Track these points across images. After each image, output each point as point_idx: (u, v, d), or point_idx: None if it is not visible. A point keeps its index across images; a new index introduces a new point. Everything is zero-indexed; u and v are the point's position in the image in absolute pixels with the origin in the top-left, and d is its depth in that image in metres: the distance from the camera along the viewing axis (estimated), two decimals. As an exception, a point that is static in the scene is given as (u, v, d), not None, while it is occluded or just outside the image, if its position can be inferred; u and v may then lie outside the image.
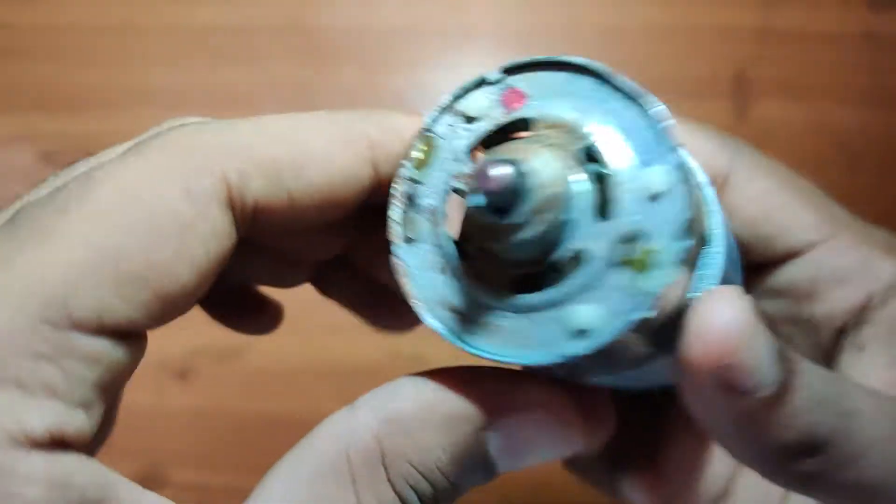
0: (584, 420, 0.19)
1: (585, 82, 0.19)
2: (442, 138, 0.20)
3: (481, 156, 0.19)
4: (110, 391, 0.19)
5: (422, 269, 0.19)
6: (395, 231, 0.19)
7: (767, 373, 0.18)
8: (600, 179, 0.18)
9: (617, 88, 0.19)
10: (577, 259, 0.18)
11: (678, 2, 0.58)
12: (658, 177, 0.18)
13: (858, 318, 0.26)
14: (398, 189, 0.20)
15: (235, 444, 0.50)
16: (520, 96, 0.20)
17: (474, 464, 0.19)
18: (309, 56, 0.58)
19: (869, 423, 0.19)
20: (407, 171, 0.20)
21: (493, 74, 0.20)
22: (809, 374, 0.19)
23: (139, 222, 0.18)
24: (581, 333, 0.17)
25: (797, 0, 0.58)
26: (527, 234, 0.17)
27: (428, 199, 0.19)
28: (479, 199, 0.16)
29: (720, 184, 0.27)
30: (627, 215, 0.17)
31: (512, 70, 0.20)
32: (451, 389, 0.19)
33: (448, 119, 0.20)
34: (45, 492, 0.16)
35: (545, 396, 0.19)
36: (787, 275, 0.27)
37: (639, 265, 0.17)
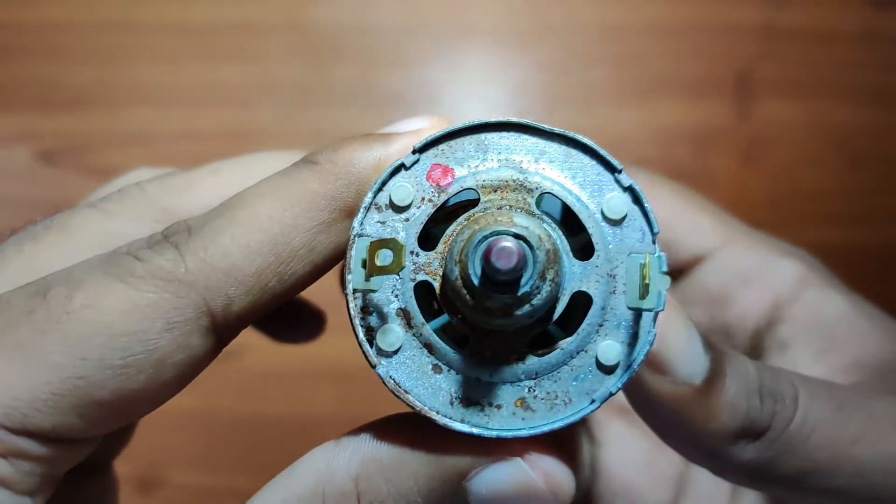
0: (557, 475, 0.19)
1: (508, 138, 0.19)
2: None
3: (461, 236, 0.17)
4: (57, 479, 0.20)
5: (416, 378, 0.18)
6: (370, 353, 0.18)
7: (695, 360, 0.19)
8: (564, 224, 0.19)
9: (542, 133, 0.19)
10: (586, 303, 0.18)
11: (680, 1, 0.58)
12: (616, 202, 0.18)
13: (772, 317, 0.27)
14: (353, 306, 0.18)
15: (234, 445, 0.50)
16: (445, 170, 0.19)
17: None
18: (309, 55, 0.58)
19: (809, 407, 0.20)
20: (354, 283, 0.18)
21: (408, 158, 0.19)
22: (740, 362, 0.20)
23: (115, 358, 0.18)
24: (611, 369, 0.18)
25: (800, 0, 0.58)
26: (541, 297, 0.17)
27: (392, 303, 0.18)
28: (488, 282, 0.16)
29: None
30: (605, 248, 0.18)
31: (425, 148, 0.19)
32: (434, 436, 0.19)
33: (376, 216, 0.19)
34: None
35: (523, 449, 0.19)
36: (697, 281, 0.28)
37: (637, 288, 0.17)
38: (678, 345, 0.19)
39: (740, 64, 0.57)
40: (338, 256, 0.20)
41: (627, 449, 0.30)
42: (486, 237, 0.16)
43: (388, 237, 0.18)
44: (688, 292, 0.28)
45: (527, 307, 0.17)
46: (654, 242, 0.18)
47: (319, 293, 0.30)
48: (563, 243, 0.18)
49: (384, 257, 0.18)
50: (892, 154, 0.57)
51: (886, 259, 0.56)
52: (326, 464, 0.19)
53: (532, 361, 0.18)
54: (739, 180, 0.56)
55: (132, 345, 0.18)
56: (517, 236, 0.16)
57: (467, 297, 0.17)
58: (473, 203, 0.18)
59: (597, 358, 0.18)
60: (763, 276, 0.27)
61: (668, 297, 0.18)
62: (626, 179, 0.18)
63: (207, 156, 0.61)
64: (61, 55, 0.58)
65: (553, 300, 0.17)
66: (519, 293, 0.16)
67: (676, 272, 0.28)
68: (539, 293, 0.17)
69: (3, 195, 0.56)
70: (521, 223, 0.16)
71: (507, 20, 0.59)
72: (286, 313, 0.30)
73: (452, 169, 0.19)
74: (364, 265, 0.18)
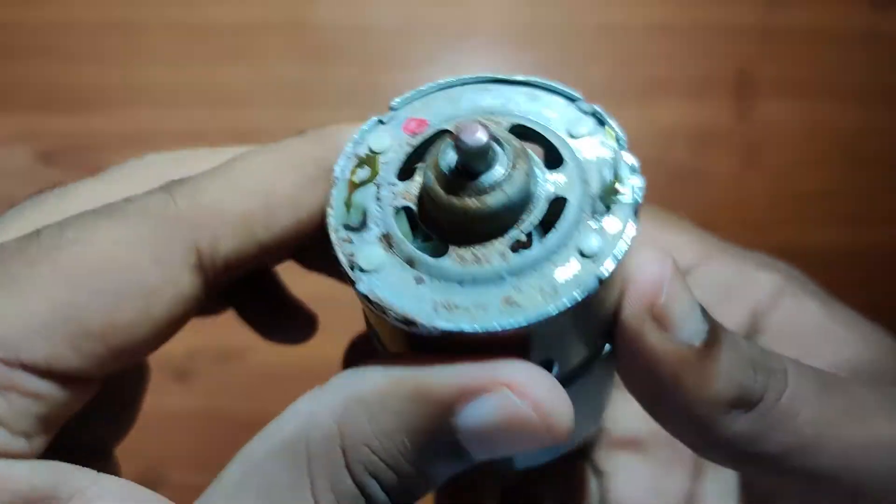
0: (549, 404, 0.18)
1: (478, 90, 0.21)
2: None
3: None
4: (54, 425, 0.20)
5: (399, 291, 0.18)
6: (352, 273, 0.18)
7: (696, 322, 0.19)
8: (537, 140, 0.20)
9: (509, 83, 0.21)
10: (561, 203, 0.18)
11: (680, 1, 0.58)
12: (580, 124, 0.20)
13: (751, 328, 0.27)
14: (336, 238, 0.19)
15: (235, 446, 0.50)
16: (420, 122, 0.20)
17: (443, 451, 0.18)
18: (309, 55, 0.58)
19: (797, 383, 0.20)
20: (336, 219, 0.19)
21: (385, 116, 0.21)
22: (734, 336, 0.20)
23: (105, 287, 0.19)
24: (592, 258, 0.18)
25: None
26: (513, 185, 0.17)
27: (373, 231, 0.19)
28: (461, 172, 0.17)
29: None
30: (575, 158, 0.19)
31: (400, 105, 0.21)
32: (418, 370, 0.18)
33: (353, 163, 0.20)
34: None
35: (512, 376, 0.18)
36: None
37: (611, 191, 0.18)
38: (682, 306, 0.19)
39: (740, 64, 0.57)
40: (321, 221, 0.21)
41: (634, 476, 0.29)
42: (462, 123, 0.17)
43: (364, 155, 0.20)
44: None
45: (500, 194, 0.17)
46: (622, 149, 0.19)
47: (316, 298, 0.31)
48: (533, 155, 0.19)
49: (362, 175, 0.19)
50: (894, 154, 0.57)
51: (887, 260, 0.56)
52: (310, 408, 0.19)
53: (514, 260, 0.18)
54: (739, 180, 0.56)
55: (121, 276, 0.19)
56: (484, 126, 0.17)
57: (442, 193, 0.18)
58: None
59: (579, 249, 0.18)
60: (741, 288, 0.27)
61: (672, 265, 0.19)
62: (587, 106, 0.20)
63: (208, 156, 0.60)
64: (62, 55, 0.58)
65: (526, 195, 0.18)
66: (490, 176, 0.17)
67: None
68: (510, 180, 0.17)
69: (3, 195, 0.56)
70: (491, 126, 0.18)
71: (507, 20, 0.59)
72: (280, 312, 0.30)
73: (427, 120, 0.20)
74: (346, 204, 0.19)
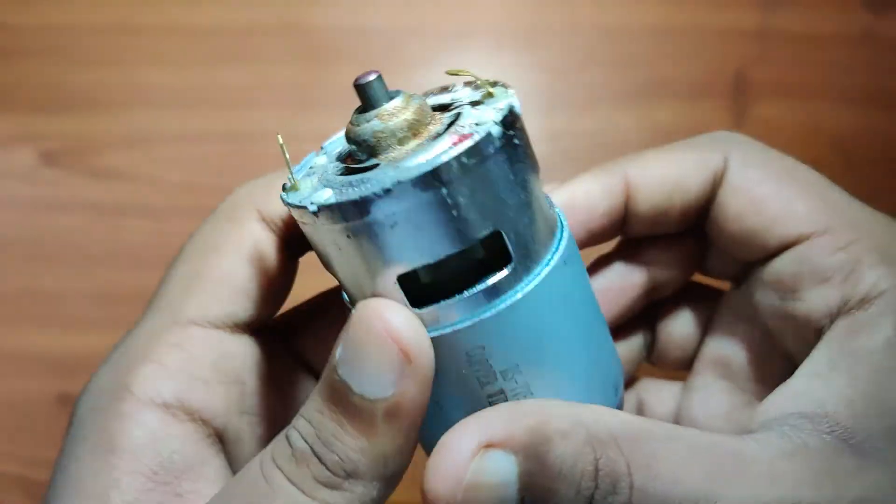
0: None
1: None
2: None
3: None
4: (231, 373, 0.24)
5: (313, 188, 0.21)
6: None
7: None
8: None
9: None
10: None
11: (678, 3, 0.59)
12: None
13: (828, 322, 0.24)
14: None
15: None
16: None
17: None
18: (309, 56, 0.58)
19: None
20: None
21: (322, 151, 0.25)
22: (572, 485, 0.19)
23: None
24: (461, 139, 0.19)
25: (796, 2, 0.58)
26: (409, 110, 0.21)
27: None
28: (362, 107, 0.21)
29: (718, 182, 0.27)
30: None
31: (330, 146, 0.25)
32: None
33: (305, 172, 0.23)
34: (145, 441, 0.21)
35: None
36: (776, 267, 0.26)
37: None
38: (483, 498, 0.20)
39: (737, 66, 0.57)
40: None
41: (713, 400, 0.30)
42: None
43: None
44: (764, 274, 0.27)
45: (399, 115, 0.21)
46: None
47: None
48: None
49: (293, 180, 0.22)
50: (890, 157, 0.57)
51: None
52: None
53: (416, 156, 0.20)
54: (737, 182, 0.57)
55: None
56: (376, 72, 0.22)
57: (353, 125, 0.21)
58: None
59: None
60: (841, 280, 0.24)
61: (471, 452, 0.20)
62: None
63: (209, 156, 0.61)
64: (64, 57, 0.58)
65: (412, 122, 0.21)
66: (388, 98, 0.21)
67: (764, 257, 0.27)
68: (407, 109, 0.21)
69: (5, 196, 0.56)
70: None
71: (507, 22, 0.59)
72: None
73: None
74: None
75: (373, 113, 0.21)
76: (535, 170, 0.22)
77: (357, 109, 0.22)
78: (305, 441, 0.20)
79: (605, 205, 0.28)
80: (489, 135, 0.19)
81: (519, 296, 0.20)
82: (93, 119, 0.57)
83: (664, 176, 0.28)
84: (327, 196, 0.19)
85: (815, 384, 0.22)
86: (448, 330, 0.20)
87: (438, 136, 0.21)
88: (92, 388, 0.23)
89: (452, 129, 0.20)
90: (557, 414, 0.21)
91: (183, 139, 0.56)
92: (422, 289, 0.20)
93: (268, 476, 0.20)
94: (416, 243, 0.19)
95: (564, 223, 0.23)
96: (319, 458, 0.20)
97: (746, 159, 0.27)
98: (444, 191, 0.19)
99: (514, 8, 0.60)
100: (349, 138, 0.21)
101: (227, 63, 0.58)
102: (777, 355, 0.28)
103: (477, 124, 0.20)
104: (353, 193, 0.19)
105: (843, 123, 0.57)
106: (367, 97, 0.21)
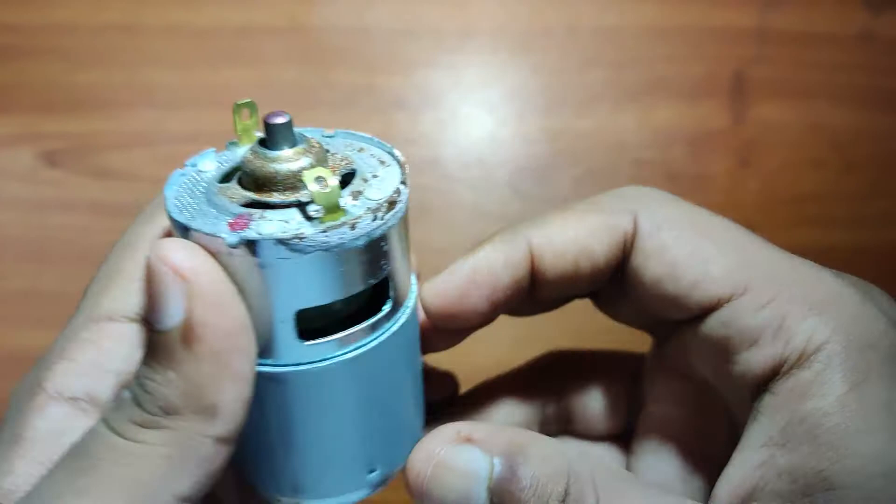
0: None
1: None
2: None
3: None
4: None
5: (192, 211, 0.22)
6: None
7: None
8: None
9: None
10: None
11: (677, 3, 0.59)
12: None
13: (766, 384, 0.23)
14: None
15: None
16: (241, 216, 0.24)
17: None
18: (309, 56, 0.58)
19: None
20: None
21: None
22: (540, 500, 0.21)
23: None
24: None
25: (795, 1, 0.58)
26: (301, 160, 0.22)
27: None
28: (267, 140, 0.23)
29: (628, 245, 0.26)
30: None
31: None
32: None
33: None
34: (47, 432, 0.22)
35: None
36: (701, 332, 0.25)
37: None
38: None
39: (736, 66, 0.58)
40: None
41: (663, 464, 0.29)
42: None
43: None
44: (694, 338, 0.26)
45: (291, 162, 0.22)
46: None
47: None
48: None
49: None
50: (889, 156, 0.57)
51: (883, 261, 0.56)
52: None
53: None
54: (735, 182, 0.57)
55: None
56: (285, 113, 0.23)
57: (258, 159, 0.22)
58: None
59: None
60: (772, 338, 0.23)
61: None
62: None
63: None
64: (65, 57, 0.59)
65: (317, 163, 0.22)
66: (285, 146, 0.22)
67: (690, 319, 0.26)
68: (301, 158, 0.22)
69: (6, 196, 0.57)
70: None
71: (506, 23, 0.59)
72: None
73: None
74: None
75: (276, 153, 0.22)
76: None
77: (260, 142, 0.23)
78: (128, 391, 0.21)
79: (508, 276, 0.27)
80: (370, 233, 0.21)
81: (384, 336, 0.23)
82: (94, 119, 0.57)
83: (569, 242, 0.27)
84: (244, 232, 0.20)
85: (775, 455, 0.22)
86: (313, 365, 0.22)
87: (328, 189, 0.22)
88: (16, 389, 0.24)
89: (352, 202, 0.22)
90: (543, 441, 0.22)
91: (183, 139, 0.56)
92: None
93: (94, 431, 0.21)
94: (313, 284, 0.21)
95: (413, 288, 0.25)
96: (137, 401, 0.20)
97: (656, 219, 0.26)
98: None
99: (513, 8, 0.60)
100: (250, 169, 0.22)
101: (227, 63, 0.58)
102: (718, 409, 0.28)
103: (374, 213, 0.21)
104: (278, 234, 0.20)
105: (843, 123, 0.57)
106: (274, 138, 0.23)
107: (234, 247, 0.20)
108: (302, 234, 0.20)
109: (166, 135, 0.57)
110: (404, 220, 0.23)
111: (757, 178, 0.57)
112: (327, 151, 0.24)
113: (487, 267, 0.27)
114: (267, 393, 0.22)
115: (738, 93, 0.57)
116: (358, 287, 0.21)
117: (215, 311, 0.20)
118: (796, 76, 0.57)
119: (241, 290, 0.20)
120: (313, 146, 0.23)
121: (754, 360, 0.23)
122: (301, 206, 0.21)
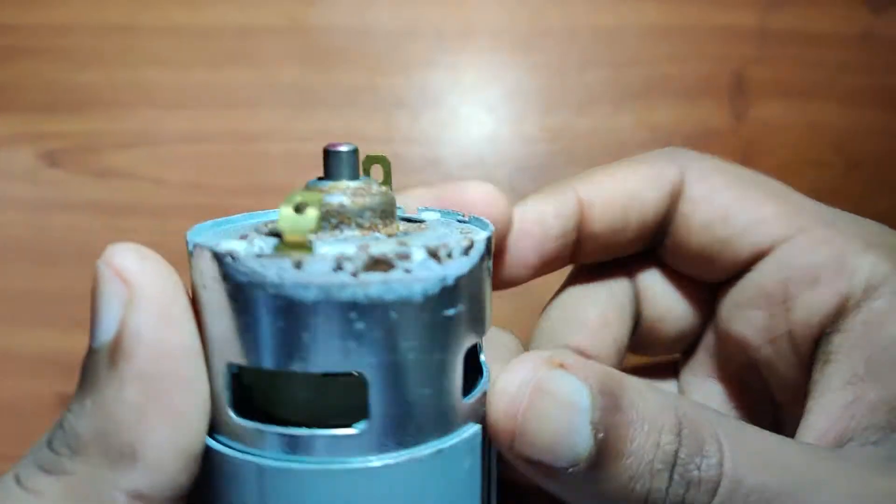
0: None
1: None
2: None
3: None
4: None
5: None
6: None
7: (572, 443, 0.16)
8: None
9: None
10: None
11: (677, 3, 0.59)
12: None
13: (832, 324, 0.22)
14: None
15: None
16: None
17: None
18: (309, 56, 0.58)
19: (735, 472, 0.17)
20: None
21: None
22: (649, 428, 0.17)
23: None
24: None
25: (796, 1, 0.58)
26: (373, 195, 0.19)
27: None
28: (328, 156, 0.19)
29: (676, 195, 0.26)
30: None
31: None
32: None
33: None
34: None
35: None
36: (755, 280, 0.24)
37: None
38: (550, 428, 0.16)
39: (736, 66, 0.58)
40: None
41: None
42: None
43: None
44: (744, 293, 0.25)
45: (350, 194, 0.19)
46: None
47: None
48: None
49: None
50: (890, 156, 0.57)
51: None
52: None
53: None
54: (736, 181, 0.57)
55: None
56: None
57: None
58: None
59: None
60: (833, 275, 0.22)
61: (546, 375, 0.17)
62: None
63: (210, 156, 0.61)
64: (66, 57, 0.59)
65: (387, 203, 0.19)
66: (357, 176, 0.19)
67: (738, 275, 0.25)
68: (370, 189, 0.19)
69: (7, 196, 0.57)
70: None
71: (506, 24, 0.59)
72: None
73: None
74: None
75: (328, 184, 0.19)
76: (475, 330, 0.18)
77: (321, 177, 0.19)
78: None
79: (558, 226, 0.25)
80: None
81: (338, 467, 0.16)
82: (94, 119, 0.57)
83: (618, 191, 0.26)
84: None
85: (865, 391, 0.20)
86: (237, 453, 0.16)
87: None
88: None
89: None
90: (635, 378, 0.19)
91: (184, 139, 0.56)
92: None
93: (3, 478, 0.16)
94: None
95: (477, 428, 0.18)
96: (48, 439, 0.16)
97: (704, 170, 0.26)
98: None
99: (513, 8, 0.60)
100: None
101: (228, 63, 0.58)
102: (760, 400, 0.27)
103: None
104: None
105: (843, 123, 0.57)
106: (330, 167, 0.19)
107: (190, 253, 0.16)
108: (235, 251, 0.15)
109: (167, 135, 0.57)
110: (419, 306, 0.16)
111: (757, 178, 0.57)
112: (399, 209, 0.21)
113: (538, 215, 0.26)
114: (230, 483, 0.16)
115: (739, 92, 0.57)
116: (304, 366, 0.15)
117: (156, 323, 0.15)
118: (797, 76, 0.57)
119: (211, 323, 0.16)
120: (376, 190, 0.19)
121: (817, 299, 0.22)
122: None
